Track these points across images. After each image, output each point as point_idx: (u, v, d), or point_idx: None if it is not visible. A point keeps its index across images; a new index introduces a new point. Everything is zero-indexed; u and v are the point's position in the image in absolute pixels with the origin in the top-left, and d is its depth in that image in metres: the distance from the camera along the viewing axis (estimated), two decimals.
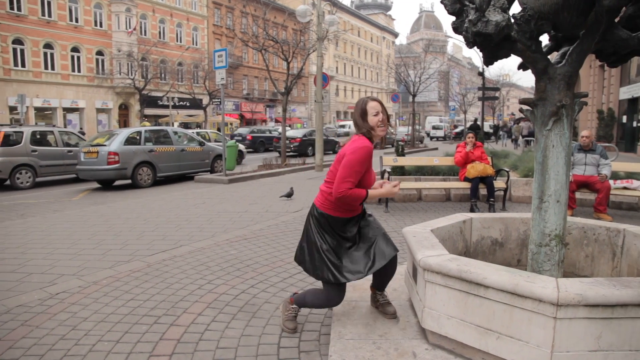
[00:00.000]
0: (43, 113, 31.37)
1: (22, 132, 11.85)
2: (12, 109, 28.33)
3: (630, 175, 7.69)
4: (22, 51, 29.44)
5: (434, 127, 47.82)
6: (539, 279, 2.19)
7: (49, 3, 30.65)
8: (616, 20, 2.50)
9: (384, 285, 3.07)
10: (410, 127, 27.62)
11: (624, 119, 23.07)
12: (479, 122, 28.69)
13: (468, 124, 37.14)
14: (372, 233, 2.85)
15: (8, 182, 11.65)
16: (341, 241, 2.82)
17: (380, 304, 3.07)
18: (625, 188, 6.92)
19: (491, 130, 37.56)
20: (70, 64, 32.22)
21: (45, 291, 3.82)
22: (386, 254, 2.77)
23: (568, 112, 2.56)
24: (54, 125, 17.30)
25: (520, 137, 26.05)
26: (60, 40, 31.27)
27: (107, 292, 3.79)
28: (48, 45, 30.80)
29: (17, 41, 29.15)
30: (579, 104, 2.64)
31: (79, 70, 32.80)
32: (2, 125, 13.15)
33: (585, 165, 6.74)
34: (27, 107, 27.52)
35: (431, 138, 44.53)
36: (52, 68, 31.21)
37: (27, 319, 3.26)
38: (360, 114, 2.76)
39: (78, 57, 32.72)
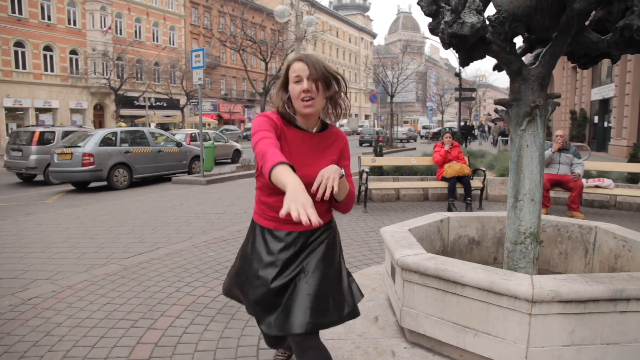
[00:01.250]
0: (14, 113, 30.50)
1: (54, 132, 12.82)
2: None
3: (601, 174, 7.92)
4: None
5: (424, 127, 49.96)
6: (515, 277, 2.23)
7: (19, 0, 29.87)
8: (587, 23, 2.56)
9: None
10: (387, 128, 27.90)
11: (596, 119, 23.70)
12: (465, 123, 29.31)
13: (446, 125, 37.67)
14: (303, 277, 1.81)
15: (41, 177, 12.49)
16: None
17: None
18: (597, 187, 7.11)
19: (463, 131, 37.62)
20: (43, 63, 31.43)
21: (17, 297, 3.72)
22: (284, 326, 1.75)
23: (541, 112, 2.62)
24: (80, 126, 17.84)
25: (499, 137, 26.63)
26: (31, 38, 30.47)
27: (82, 296, 3.71)
28: (19, 44, 29.97)
29: None
30: (552, 104, 2.70)
31: (52, 70, 32.03)
32: (36, 125, 13.57)
33: (559, 164, 6.89)
34: None
35: (422, 137, 46.94)
36: (24, 67, 30.38)
37: None
38: (282, 80, 1.88)
39: (51, 56, 31.95)
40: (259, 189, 1.92)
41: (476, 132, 36.42)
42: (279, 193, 1.63)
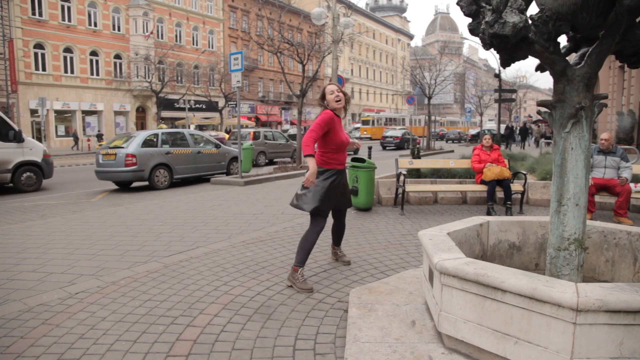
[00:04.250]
0: (63, 116, 31.98)
1: (259, 131, 18.39)
2: (33, 112, 28.95)
3: None
4: (42, 55, 30.08)
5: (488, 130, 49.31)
6: (558, 284, 2.15)
7: (68, 8, 31.28)
8: (637, 20, 2.46)
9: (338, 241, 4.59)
10: (426, 129, 27.60)
11: None
12: (524, 125, 28.84)
13: (487, 126, 36.81)
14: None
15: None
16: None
17: (339, 256, 4.61)
18: None
19: (506, 133, 34.52)
20: (89, 68, 32.83)
21: (65, 290, 3.89)
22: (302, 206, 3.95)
23: (587, 114, 2.53)
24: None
25: (542, 139, 25.94)
26: (79, 44, 31.88)
27: (125, 292, 3.85)
28: (68, 50, 31.42)
29: (38, 45, 29.81)
30: (599, 105, 2.60)
31: (97, 74, 33.38)
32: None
33: (605, 168, 6.62)
34: (48, 110, 28.10)
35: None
36: (72, 72, 31.82)
37: (47, 318, 3.32)
38: (321, 95, 4.05)
39: (96, 61, 33.32)
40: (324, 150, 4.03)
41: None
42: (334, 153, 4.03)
